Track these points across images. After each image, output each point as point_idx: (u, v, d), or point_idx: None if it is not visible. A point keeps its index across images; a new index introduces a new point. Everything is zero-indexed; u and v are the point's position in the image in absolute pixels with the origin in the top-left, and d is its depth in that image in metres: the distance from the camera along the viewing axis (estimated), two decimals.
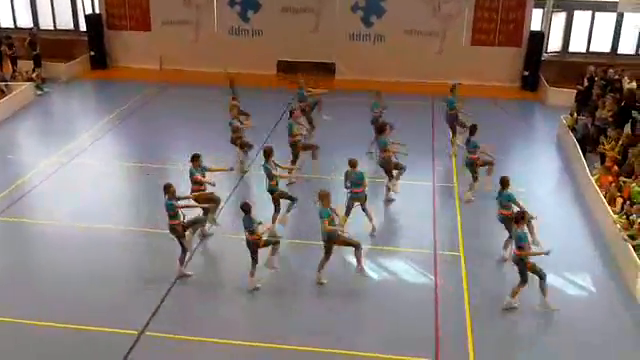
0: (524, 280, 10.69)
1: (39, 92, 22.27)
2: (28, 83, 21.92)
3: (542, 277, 10.67)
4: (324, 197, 11.04)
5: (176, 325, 10.46)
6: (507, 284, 11.71)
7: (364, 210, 12.97)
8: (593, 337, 10.40)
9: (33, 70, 23.02)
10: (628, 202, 13.08)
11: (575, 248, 13.00)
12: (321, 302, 11.11)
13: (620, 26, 23.49)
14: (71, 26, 26.43)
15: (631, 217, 12.48)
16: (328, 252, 11.29)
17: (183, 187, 12.68)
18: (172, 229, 11.43)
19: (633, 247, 11.77)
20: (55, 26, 26.38)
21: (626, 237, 12.03)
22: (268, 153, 12.92)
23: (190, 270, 11.73)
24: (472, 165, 14.51)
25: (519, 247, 10.54)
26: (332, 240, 11.16)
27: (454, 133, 17.33)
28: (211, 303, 11.12)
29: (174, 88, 23.15)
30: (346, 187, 12.94)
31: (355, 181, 12.75)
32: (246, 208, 10.97)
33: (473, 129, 14.50)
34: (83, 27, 25.81)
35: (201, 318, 10.71)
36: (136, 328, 10.25)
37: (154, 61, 25.39)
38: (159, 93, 22.60)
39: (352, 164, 12.80)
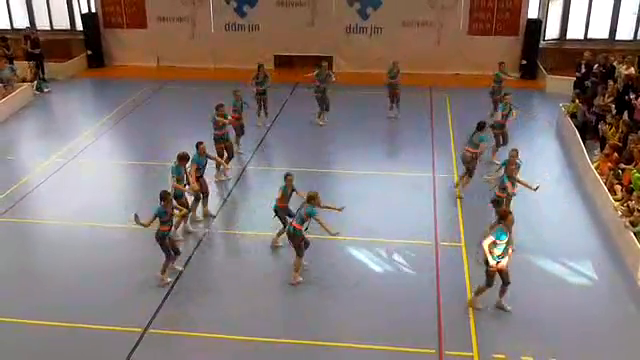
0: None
1: (37, 92, 22.26)
2: (26, 83, 21.91)
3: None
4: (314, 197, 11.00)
5: (180, 322, 10.48)
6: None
7: None
8: (596, 324, 10.42)
9: (40, 70, 23.04)
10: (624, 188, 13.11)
11: (576, 235, 13.03)
12: (323, 296, 11.12)
13: (618, 12, 23.41)
14: (67, 25, 26.38)
15: (630, 203, 12.47)
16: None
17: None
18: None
19: (634, 234, 11.79)
20: (51, 26, 26.32)
21: (627, 224, 12.04)
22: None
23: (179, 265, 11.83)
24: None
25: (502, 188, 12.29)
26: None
27: (392, 101, 18.98)
28: (213, 300, 11.11)
29: (172, 85, 23.12)
30: None
31: None
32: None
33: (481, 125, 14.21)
34: (79, 26, 25.78)
35: (204, 315, 10.72)
36: (140, 326, 10.28)
37: (151, 58, 25.38)
38: (157, 90, 22.58)
39: None
